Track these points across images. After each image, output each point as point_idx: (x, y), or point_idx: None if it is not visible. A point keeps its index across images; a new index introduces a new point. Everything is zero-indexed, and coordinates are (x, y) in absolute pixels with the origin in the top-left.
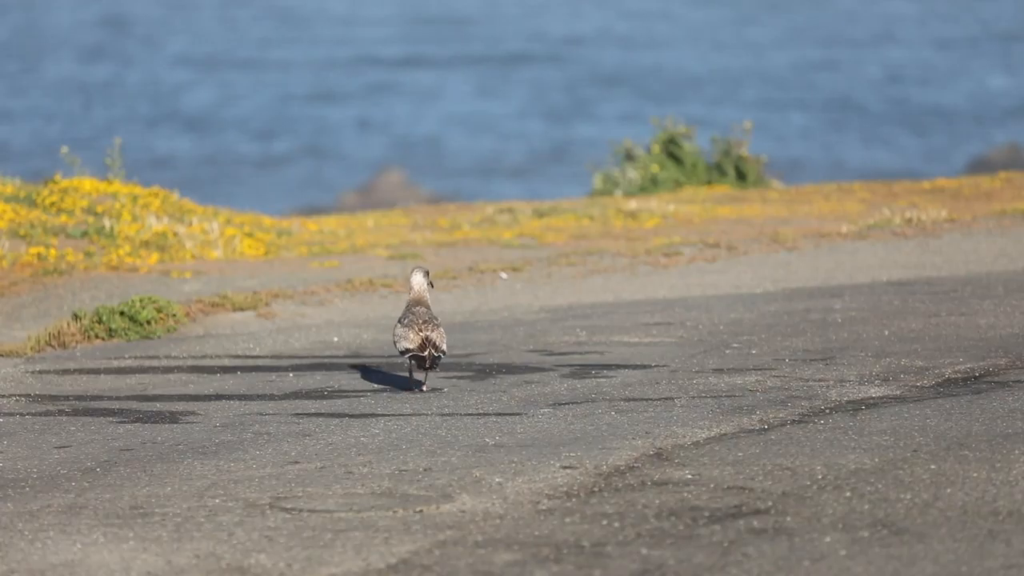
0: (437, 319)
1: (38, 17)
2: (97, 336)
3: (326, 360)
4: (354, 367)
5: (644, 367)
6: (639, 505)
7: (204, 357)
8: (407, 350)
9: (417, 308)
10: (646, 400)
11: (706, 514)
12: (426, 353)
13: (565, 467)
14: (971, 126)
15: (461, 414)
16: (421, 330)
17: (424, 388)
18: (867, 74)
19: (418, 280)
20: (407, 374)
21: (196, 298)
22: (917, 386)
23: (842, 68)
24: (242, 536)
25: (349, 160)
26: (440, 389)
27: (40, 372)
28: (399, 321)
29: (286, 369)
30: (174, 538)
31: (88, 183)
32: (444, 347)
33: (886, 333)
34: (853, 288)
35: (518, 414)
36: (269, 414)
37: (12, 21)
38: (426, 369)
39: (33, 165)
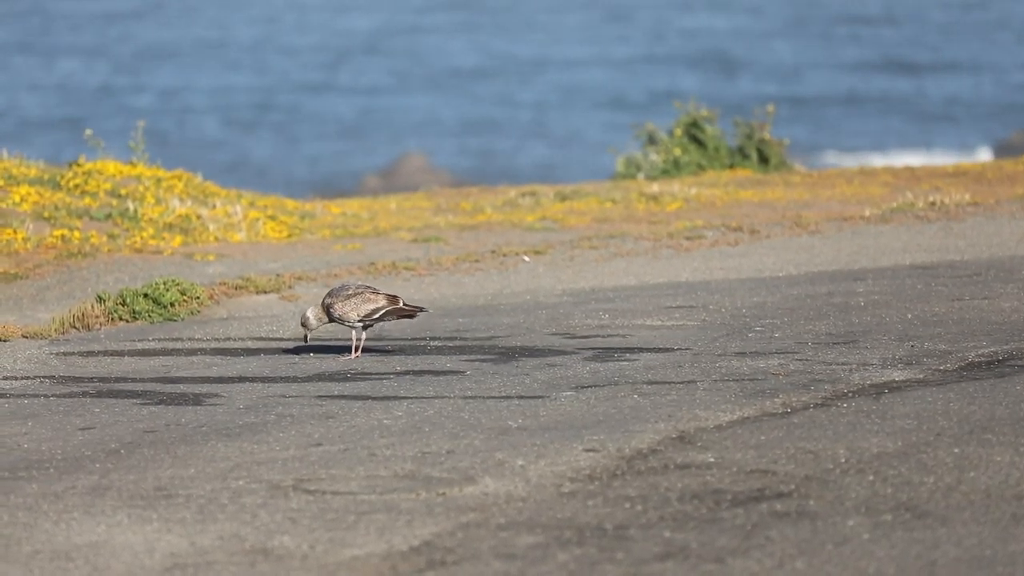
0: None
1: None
2: (121, 318)
3: (349, 342)
4: (376, 350)
5: (667, 350)
6: (662, 488)
7: (227, 339)
8: (376, 310)
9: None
10: (669, 383)
11: (729, 497)
12: (400, 304)
13: (588, 450)
14: (995, 110)
15: (484, 397)
16: (377, 291)
17: (356, 355)
18: (884, 57)
19: (308, 314)
20: (424, 353)
21: (219, 280)
22: (940, 370)
23: (861, 49)
24: (265, 518)
25: (371, 143)
26: (462, 372)
27: (64, 354)
28: (340, 300)
29: (309, 351)
30: (198, 519)
31: (112, 166)
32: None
33: (909, 317)
34: (876, 271)
35: (541, 397)
36: (292, 396)
37: None
38: (385, 320)
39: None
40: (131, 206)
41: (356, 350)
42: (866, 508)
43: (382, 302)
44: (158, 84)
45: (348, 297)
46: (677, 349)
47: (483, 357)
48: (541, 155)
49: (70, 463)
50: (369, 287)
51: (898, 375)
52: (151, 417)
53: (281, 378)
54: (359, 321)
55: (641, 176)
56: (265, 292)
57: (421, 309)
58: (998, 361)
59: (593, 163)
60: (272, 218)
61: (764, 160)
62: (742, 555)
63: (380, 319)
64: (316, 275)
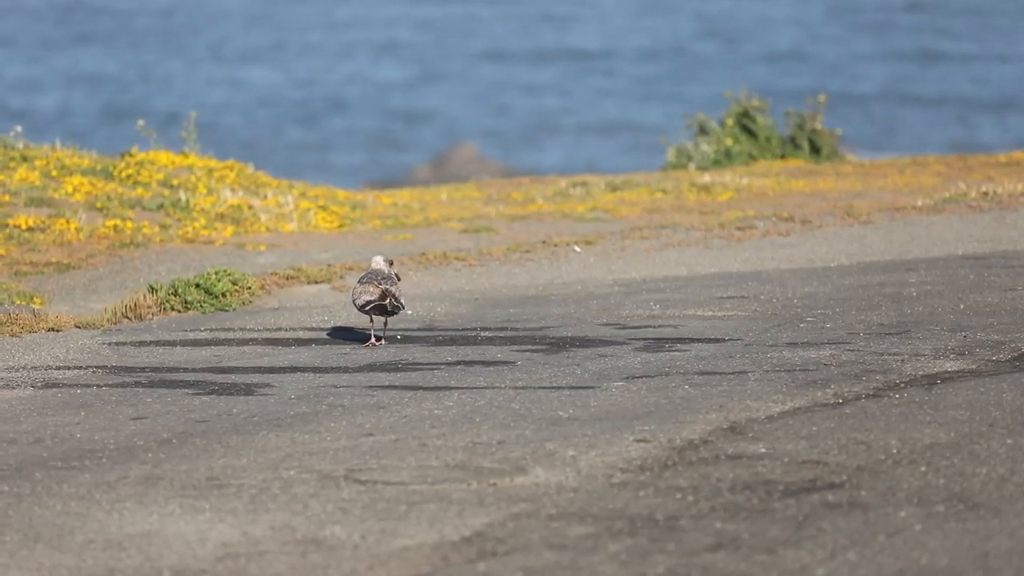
0: (393, 279)
1: None
2: (173, 308)
3: (399, 333)
4: (427, 340)
5: (718, 341)
6: (713, 479)
7: (279, 329)
8: (368, 302)
9: (373, 272)
10: (720, 374)
11: (780, 488)
12: (387, 301)
13: (639, 440)
14: None
15: (535, 387)
16: (379, 285)
17: (381, 343)
18: (929, 46)
19: (377, 260)
20: (474, 344)
21: (271, 271)
22: (993, 360)
23: (909, 42)
24: (317, 508)
25: (422, 133)
26: (513, 362)
27: (116, 344)
28: (357, 282)
29: (360, 341)
30: (249, 509)
31: (164, 156)
32: (403, 301)
33: (961, 307)
34: (928, 262)
35: (591, 387)
36: (343, 386)
37: None
38: (386, 316)
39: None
40: (183, 196)
41: (372, 336)
42: (918, 499)
43: (374, 296)
44: (209, 77)
45: (361, 283)
46: (728, 339)
47: (534, 347)
48: (591, 145)
49: (122, 453)
50: (376, 279)
51: (950, 365)
52: (203, 407)
53: (332, 368)
54: (360, 309)
55: (692, 166)
56: (316, 282)
57: (402, 308)
58: None
59: (644, 153)
60: (323, 208)
61: (816, 150)
62: (794, 546)
63: (371, 311)
64: (367, 266)
